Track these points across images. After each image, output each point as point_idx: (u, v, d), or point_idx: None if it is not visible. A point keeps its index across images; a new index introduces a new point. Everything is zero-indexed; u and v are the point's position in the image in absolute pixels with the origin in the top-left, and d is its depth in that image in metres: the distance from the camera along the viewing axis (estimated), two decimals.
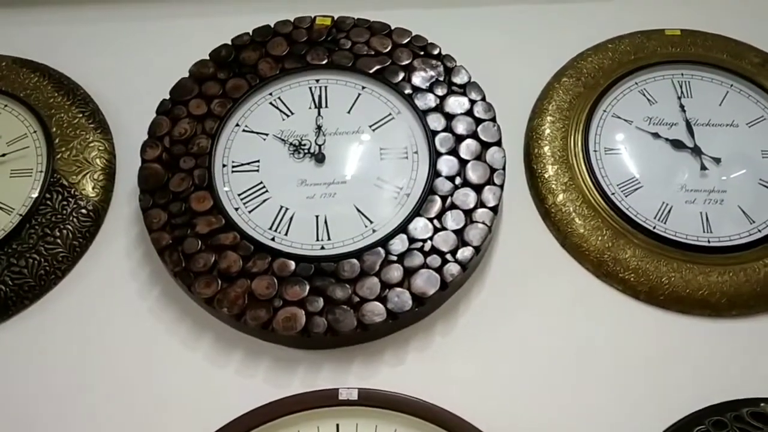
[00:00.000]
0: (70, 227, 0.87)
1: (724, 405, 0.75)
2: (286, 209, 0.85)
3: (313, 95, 0.93)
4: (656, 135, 0.91)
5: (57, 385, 0.80)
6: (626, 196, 0.87)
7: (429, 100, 0.91)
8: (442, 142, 0.88)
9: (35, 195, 0.87)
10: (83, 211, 0.88)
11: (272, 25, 0.96)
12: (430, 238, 0.82)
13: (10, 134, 0.92)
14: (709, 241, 0.84)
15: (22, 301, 0.84)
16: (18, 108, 0.94)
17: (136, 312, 0.84)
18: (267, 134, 0.90)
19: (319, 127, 0.90)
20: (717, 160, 0.89)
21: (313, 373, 0.80)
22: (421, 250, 0.81)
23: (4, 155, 0.90)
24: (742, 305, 0.82)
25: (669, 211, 0.86)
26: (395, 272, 0.80)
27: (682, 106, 0.93)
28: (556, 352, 0.81)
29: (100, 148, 0.93)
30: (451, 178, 0.86)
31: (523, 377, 0.79)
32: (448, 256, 0.81)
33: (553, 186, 0.89)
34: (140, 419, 0.78)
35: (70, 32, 1.04)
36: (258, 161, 0.88)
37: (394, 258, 0.81)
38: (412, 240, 0.82)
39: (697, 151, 0.90)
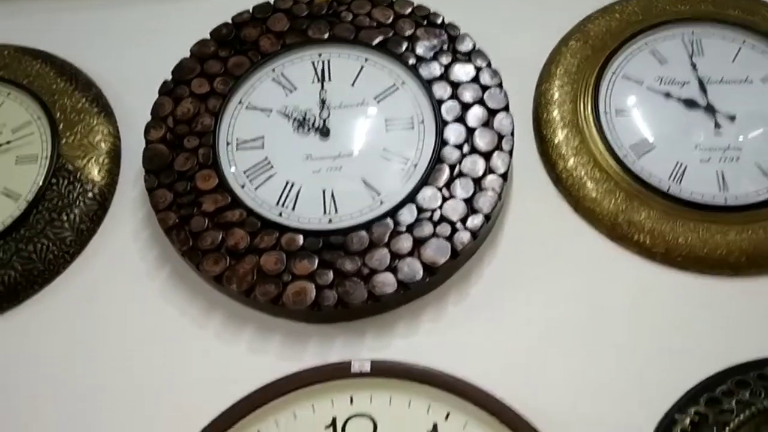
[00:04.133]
0: (77, 211, 0.86)
1: (748, 365, 0.74)
2: (292, 184, 0.84)
3: (315, 69, 0.91)
4: (668, 95, 0.89)
5: (69, 369, 0.79)
6: (639, 158, 0.85)
7: (434, 69, 0.89)
8: (449, 110, 0.86)
9: (41, 181, 0.86)
10: (89, 194, 0.88)
11: (272, 2, 0.95)
12: (440, 207, 0.80)
13: (15, 121, 0.91)
14: (726, 200, 0.82)
15: (32, 286, 0.84)
16: (21, 95, 0.93)
17: (145, 293, 0.83)
18: (271, 110, 0.89)
19: (323, 101, 0.89)
20: (731, 118, 0.87)
21: (325, 347, 0.79)
22: (430, 219, 0.80)
23: (9, 142, 0.90)
24: (762, 263, 0.80)
25: (683, 171, 0.84)
26: (405, 243, 0.79)
27: (693, 65, 0.91)
28: (572, 318, 0.79)
29: (104, 131, 0.92)
30: (458, 146, 0.84)
31: (539, 344, 0.78)
32: (458, 225, 0.79)
33: (564, 151, 0.87)
34: (153, 399, 0.77)
35: (71, 18, 1.03)
36: (262, 137, 0.87)
37: (403, 228, 0.79)
38: (420, 210, 0.80)
39: (710, 109, 0.87)
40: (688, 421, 0.70)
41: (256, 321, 0.81)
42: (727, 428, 0.68)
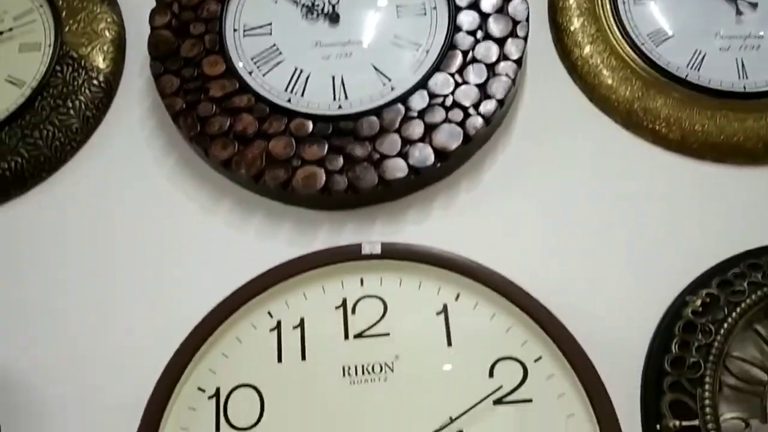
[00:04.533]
0: (82, 99, 0.85)
1: (761, 249, 0.73)
2: (301, 71, 0.82)
3: None
4: None
5: (77, 256, 0.79)
6: (657, 46, 0.82)
7: None
8: None
9: (45, 68, 0.85)
10: (95, 82, 0.86)
11: None
12: (452, 93, 0.79)
13: (16, 9, 0.89)
14: (745, 88, 0.80)
15: (39, 173, 0.83)
16: None
17: (153, 180, 0.82)
18: None
19: None
20: (753, 5, 0.84)
21: (335, 233, 0.78)
22: (442, 105, 0.78)
23: (11, 30, 0.88)
24: None
25: (702, 59, 0.82)
26: (416, 128, 0.78)
27: None
28: (585, 205, 0.78)
29: (108, 19, 0.90)
30: (472, 33, 0.82)
31: (552, 230, 0.77)
32: (471, 110, 0.78)
33: (580, 39, 0.85)
34: (161, 285, 0.77)
35: None
36: (270, 24, 0.85)
37: (415, 114, 0.78)
38: (432, 95, 0.79)
39: None
40: (699, 302, 0.70)
41: (265, 208, 0.80)
42: (738, 308, 0.68)
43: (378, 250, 0.73)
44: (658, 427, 0.65)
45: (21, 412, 0.72)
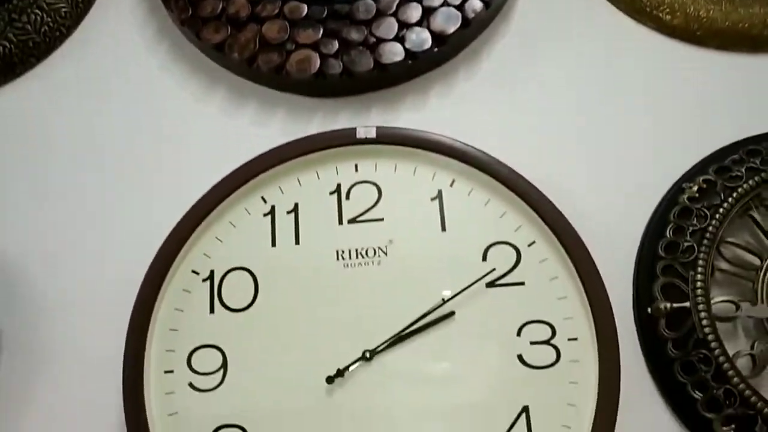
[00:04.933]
0: None
1: (761, 136, 0.72)
2: None
3: None
4: None
5: (70, 143, 0.78)
6: None
7: None
8: None
9: None
10: None
11: None
12: None
13: None
14: None
15: (29, 58, 0.81)
16: None
17: (145, 69, 0.81)
18: None
19: None
20: None
21: (330, 120, 0.77)
22: None
23: None
24: None
25: None
26: (413, 11, 0.76)
27: None
28: (586, 93, 0.77)
29: None
30: None
31: (551, 118, 0.76)
32: None
33: None
34: (154, 172, 0.77)
35: None
36: None
37: None
38: None
39: None
40: (695, 188, 0.69)
41: (259, 95, 0.79)
42: (734, 193, 0.67)
43: (373, 134, 0.72)
44: (649, 309, 0.66)
45: (17, 297, 0.72)
